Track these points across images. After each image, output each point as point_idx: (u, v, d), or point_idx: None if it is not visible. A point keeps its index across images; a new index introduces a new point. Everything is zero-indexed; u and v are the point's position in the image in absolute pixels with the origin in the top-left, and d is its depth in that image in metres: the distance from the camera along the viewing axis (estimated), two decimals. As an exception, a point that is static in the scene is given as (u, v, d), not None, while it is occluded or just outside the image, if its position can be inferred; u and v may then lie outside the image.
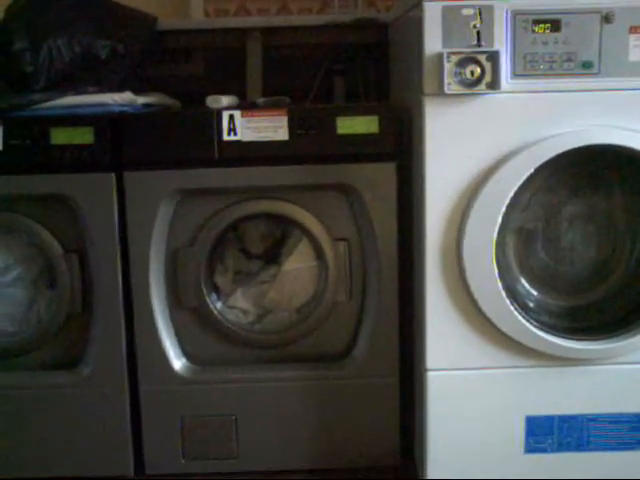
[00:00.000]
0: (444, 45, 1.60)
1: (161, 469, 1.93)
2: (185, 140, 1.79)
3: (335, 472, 1.93)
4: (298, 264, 1.91)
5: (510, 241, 1.74)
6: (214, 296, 1.89)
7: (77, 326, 1.87)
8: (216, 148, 1.79)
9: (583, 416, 1.77)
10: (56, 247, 1.84)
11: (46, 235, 1.84)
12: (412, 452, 1.95)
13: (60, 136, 1.79)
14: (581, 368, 1.74)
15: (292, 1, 2.46)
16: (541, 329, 1.69)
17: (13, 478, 1.92)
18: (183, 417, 1.89)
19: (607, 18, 1.59)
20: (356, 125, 1.78)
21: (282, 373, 1.89)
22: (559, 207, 1.75)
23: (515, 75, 1.62)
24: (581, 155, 1.63)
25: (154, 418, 1.90)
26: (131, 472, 1.92)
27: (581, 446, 1.78)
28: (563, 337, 1.70)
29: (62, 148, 1.79)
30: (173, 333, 1.88)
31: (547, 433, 1.77)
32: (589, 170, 1.72)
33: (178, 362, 1.88)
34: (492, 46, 1.60)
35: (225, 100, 1.90)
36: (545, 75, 1.62)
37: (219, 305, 1.89)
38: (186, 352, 1.90)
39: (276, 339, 1.90)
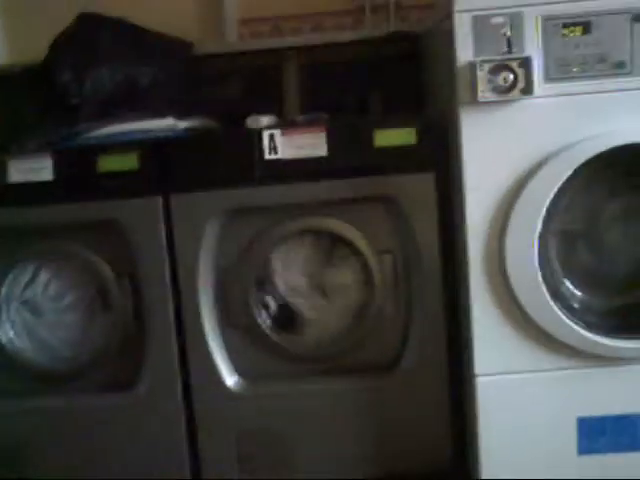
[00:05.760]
0: (476, 54, 1.62)
1: (219, 484, 1.96)
2: (228, 161, 1.83)
3: (390, 480, 1.95)
4: (345, 278, 1.93)
5: (552, 243, 1.74)
6: (263, 313, 1.92)
7: (131, 347, 1.91)
8: (258, 167, 1.81)
9: (636, 415, 1.76)
10: (107, 271, 1.88)
11: (98, 260, 1.89)
12: (465, 459, 1.95)
13: (107, 164, 1.83)
14: (631, 367, 1.73)
15: (325, 19, 2.50)
16: (588, 329, 1.69)
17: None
18: (238, 433, 1.92)
19: (638, 18, 1.60)
20: (394, 137, 1.80)
21: (333, 386, 1.91)
22: (600, 207, 1.75)
23: (548, 79, 1.63)
24: (619, 154, 1.63)
25: (210, 435, 1.92)
26: (189, 488, 1.96)
27: (635, 445, 1.77)
28: (610, 336, 1.69)
29: (109, 175, 1.83)
30: (224, 350, 1.90)
31: (600, 434, 1.76)
32: (627, 169, 1.71)
33: (230, 379, 1.91)
34: (523, 52, 1.62)
35: (265, 120, 1.93)
36: (578, 77, 1.63)
37: (268, 322, 1.92)
38: (238, 368, 1.92)
39: (325, 353, 1.92)
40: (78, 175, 1.84)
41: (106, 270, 1.89)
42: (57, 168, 1.83)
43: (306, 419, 1.92)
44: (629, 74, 1.62)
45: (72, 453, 1.94)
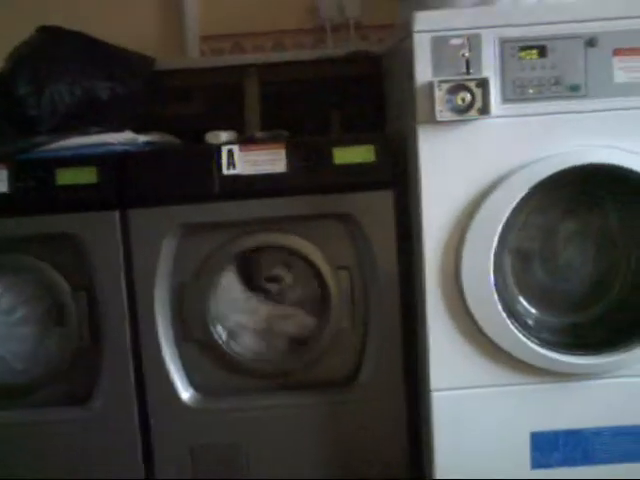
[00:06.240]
0: (435, 74, 1.65)
1: (173, 499, 1.95)
2: (186, 176, 1.83)
3: (345, 496, 1.95)
4: (301, 293, 1.94)
5: (508, 261, 1.77)
6: (219, 328, 1.92)
7: (86, 362, 1.89)
8: (217, 183, 1.82)
9: (587, 430, 1.79)
10: (64, 285, 1.87)
11: (53, 274, 1.87)
12: (422, 472, 1.96)
13: (65, 177, 1.82)
14: (583, 383, 1.76)
15: (286, 37, 2.52)
16: (542, 346, 1.72)
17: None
18: (193, 447, 1.91)
19: (591, 42, 1.64)
20: (353, 155, 1.81)
21: (289, 400, 1.91)
22: (555, 226, 1.79)
23: (505, 100, 1.66)
24: (572, 175, 1.67)
25: (165, 449, 1.91)
26: (144, 503, 1.94)
27: (587, 459, 1.80)
28: (564, 353, 1.72)
29: (67, 188, 1.82)
30: (180, 365, 1.90)
31: (552, 448, 1.79)
32: (581, 189, 1.75)
33: (186, 393, 1.90)
34: (481, 73, 1.65)
35: (224, 136, 1.94)
36: (534, 99, 1.66)
37: (225, 336, 1.92)
38: (194, 383, 1.91)
39: (282, 368, 1.92)
40: (35, 188, 1.83)
41: (62, 284, 1.87)
42: (13, 180, 1.82)
43: (262, 433, 1.91)
44: (584, 97, 1.66)
45: (24, 468, 1.91)
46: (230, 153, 1.82)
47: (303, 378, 1.92)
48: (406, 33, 1.70)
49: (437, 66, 1.65)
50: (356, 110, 2.35)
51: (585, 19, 1.65)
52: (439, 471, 1.80)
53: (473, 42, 1.65)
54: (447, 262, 1.72)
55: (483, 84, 1.63)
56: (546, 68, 1.66)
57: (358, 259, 1.87)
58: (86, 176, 1.83)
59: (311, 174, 1.82)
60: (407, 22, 1.68)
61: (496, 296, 1.69)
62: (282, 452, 1.92)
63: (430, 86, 1.64)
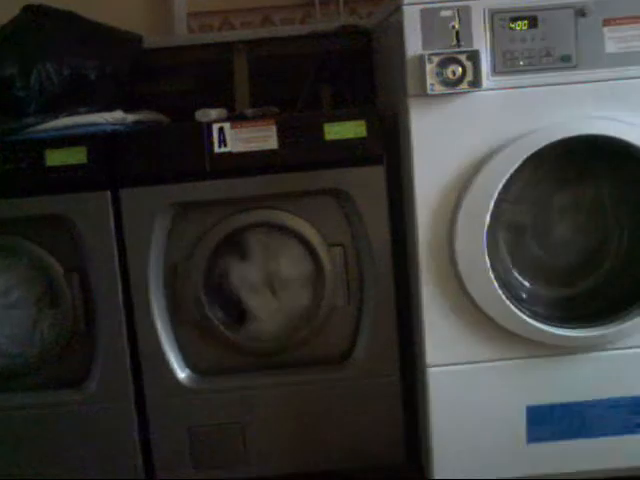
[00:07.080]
0: (425, 47, 1.64)
1: (172, 480, 1.96)
2: (177, 154, 1.82)
3: (343, 473, 1.95)
4: (295, 271, 1.93)
5: (501, 235, 1.77)
6: (214, 307, 1.92)
7: (81, 344, 1.89)
8: (208, 161, 1.81)
9: (583, 403, 1.79)
10: (56, 267, 1.86)
11: (46, 256, 1.86)
12: (418, 450, 1.97)
13: (54, 157, 1.81)
14: (577, 356, 1.76)
15: (274, 12, 2.50)
16: (536, 319, 1.72)
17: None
18: (190, 427, 1.91)
19: (581, 12, 1.63)
20: (344, 130, 1.81)
21: (285, 378, 1.91)
22: (548, 199, 1.78)
23: (496, 72, 1.66)
24: (565, 147, 1.67)
25: (162, 430, 1.91)
26: (142, 485, 1.95)
27: (583, 432, 1.81)
28: (558, 326, 1.73)
29: (57, 169, 1.81)
30: (176, 345, 1.89)
31: (548, 422, 1.80)
32: (574, 161, 1.75)
33: (182, 373, 1.90)
34: (471, 45, 1.64)
35: (214, 113, 1.93)
36: (525, 71, 1.65)
37: (219, 316, 1.92)
38: (190, 363, 1.91)
39: (277, 346, 1.92)
40: (24, 169, 1.81)
41: (55, 266, 1.86)
42: (2, 162, 1.80)
43: (259, 412, 1.92)
44: (574, 67, 1.65)
45: (21, 451, 1.92)
46: (221, 131, 1.81)
47: (298, 356, 1.92)
48: (395, 6, 1.69)
49: (427, 39, 1.64)
50: (346, 85, 2.34)
51: (575, -12, 1.64)
52: (435, 446, 1.81)
53: (463, 14, 1.64)
54: (440, 236, 1.71)
55: (474, 56, 1.62)
56: (536, 39, 1.65)
57: (351, 235, 1.87)
58: (76, 156, 1.82)
59: (302, 150, 1.81)
60: (396, -5, 1.66)
61: (490, 269, 1.69)
62: (279, 430, 1.93)
63: (420, 59, 1.63)
